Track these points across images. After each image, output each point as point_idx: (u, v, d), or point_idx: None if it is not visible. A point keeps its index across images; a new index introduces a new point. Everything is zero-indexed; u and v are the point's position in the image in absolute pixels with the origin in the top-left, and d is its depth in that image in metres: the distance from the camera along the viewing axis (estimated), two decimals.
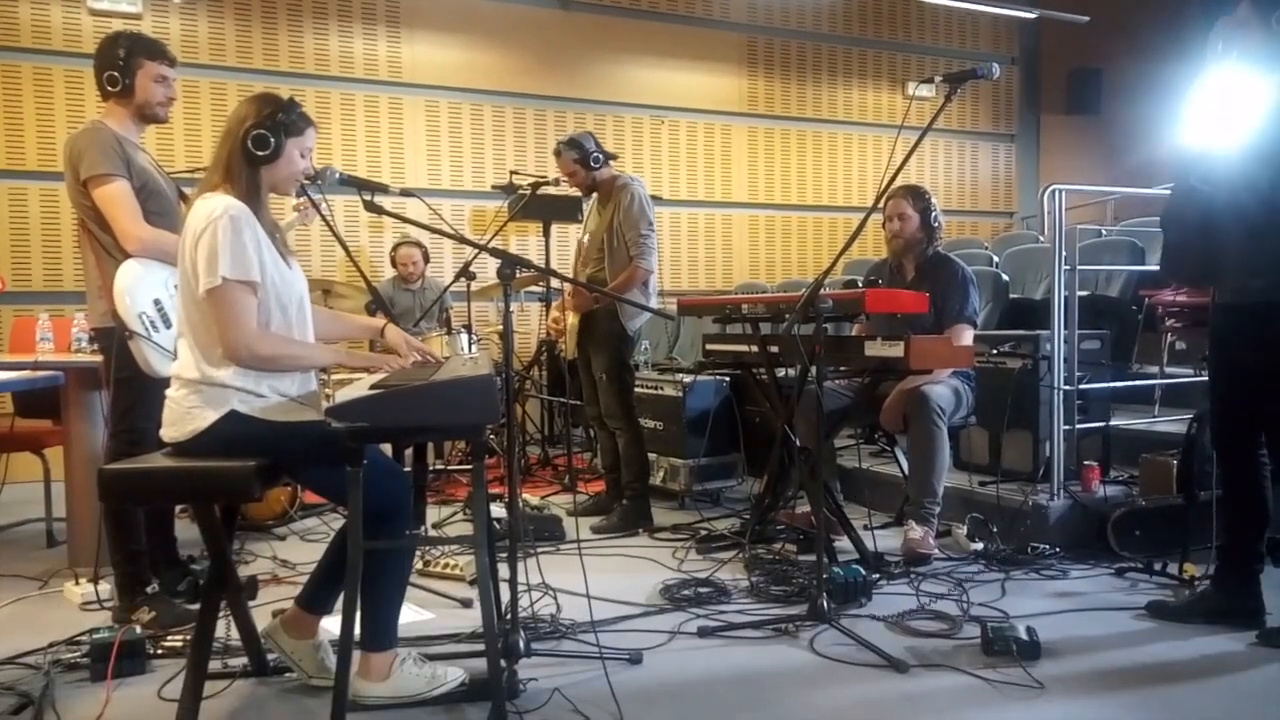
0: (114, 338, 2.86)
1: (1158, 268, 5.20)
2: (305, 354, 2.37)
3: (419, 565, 3.43)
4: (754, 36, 8.24)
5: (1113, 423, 4.15)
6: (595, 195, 4.37)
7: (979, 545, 3.64)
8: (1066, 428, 3.79)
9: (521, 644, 2.40)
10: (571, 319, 4.28)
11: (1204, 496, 3.41)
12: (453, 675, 2.38)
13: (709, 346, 4.07)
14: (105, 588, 3.12)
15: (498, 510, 3.68)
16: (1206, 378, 4.42)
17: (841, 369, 3.78)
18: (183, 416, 2.22)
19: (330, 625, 2.49)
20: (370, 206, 2.61)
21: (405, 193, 2.91)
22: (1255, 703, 2.38)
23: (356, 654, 2.24)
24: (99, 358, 3.18)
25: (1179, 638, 2.80)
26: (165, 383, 2.35)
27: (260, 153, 2.29)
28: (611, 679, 2.39)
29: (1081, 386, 3.86)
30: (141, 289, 2.81)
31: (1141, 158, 8.30)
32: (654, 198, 4.61)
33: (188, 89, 6.24)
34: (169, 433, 2.25)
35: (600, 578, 3.22)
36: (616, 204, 4.17)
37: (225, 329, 2.18)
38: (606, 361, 4.22)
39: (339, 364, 2.50)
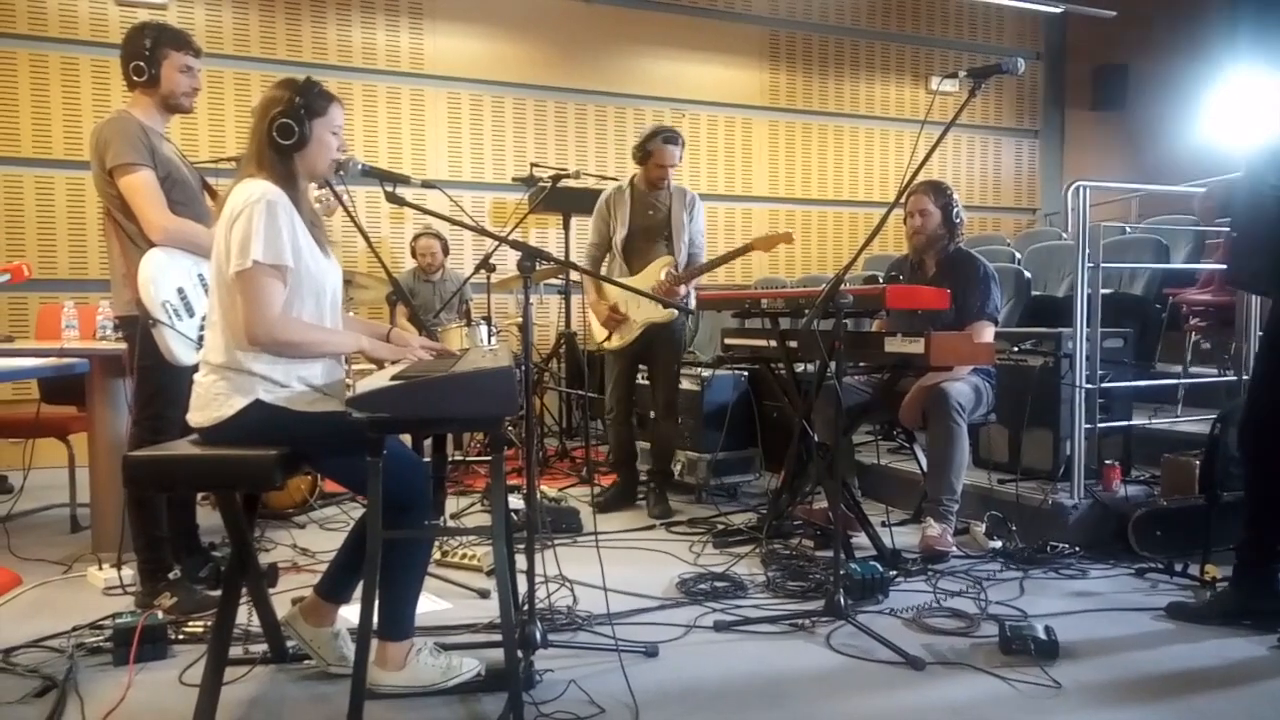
0: (138, 326, 2.88)
1: (1183, 266, 5.19)
2: (328, 340, 2.37)
3: (437, 555, 3.45)
4: (776, 30, 8.20)
5: (1134, 422, 4.12)
6: (628, 190, 4.45)
7: (997, 543, 3.63)
8: (1088, 426, 3.77)
9: (538, 635, 2.42)
10: (662, 314, 4.32)
11: (1226, 498, 3.38)
12: (468, 666, 2.39)
13: (728, 341, 4.06)
14: (128, 573, 3.16)
15: (516, 502, 3.70)
16: (1231, 374, 4.41)
17: (861, 365, 3.76)
18: (210, 402, 2.24)
19: (349, 614, 2.51)
20: (392, 198, 2.62)
21: (427, 184, 2.91)
22: (1275, 705, 2.35)
23: (374, 643, 2.25)
24: (123, 345, 3.21)
25: (1198, 639, 2.78)
26: (189, 371, 2.37)
27: (286, 141, 2.29)
28: (627, 671, 2.39)
29: (1103, 385, 3.83)
30: (165, 278, 2.84)
31: (1167, 154, 8.20)
32: None
33: (212, 79, 6.27)
34: (195, 417, 2.27)
35: (617, 570, 3.22)
36: (686, 208, 4.43)
37: (249, 312, 2.19)
38: (676, 353, 4.53)
39: (361, 351, 2.48)
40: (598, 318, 4.45)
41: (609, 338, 4.44)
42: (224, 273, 2.24)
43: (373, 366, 2.96)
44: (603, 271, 4.46)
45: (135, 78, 3.01)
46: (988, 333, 3.75)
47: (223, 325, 2.26)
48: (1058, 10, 8.51)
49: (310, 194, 2.47)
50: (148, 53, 2.98)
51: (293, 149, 2.30)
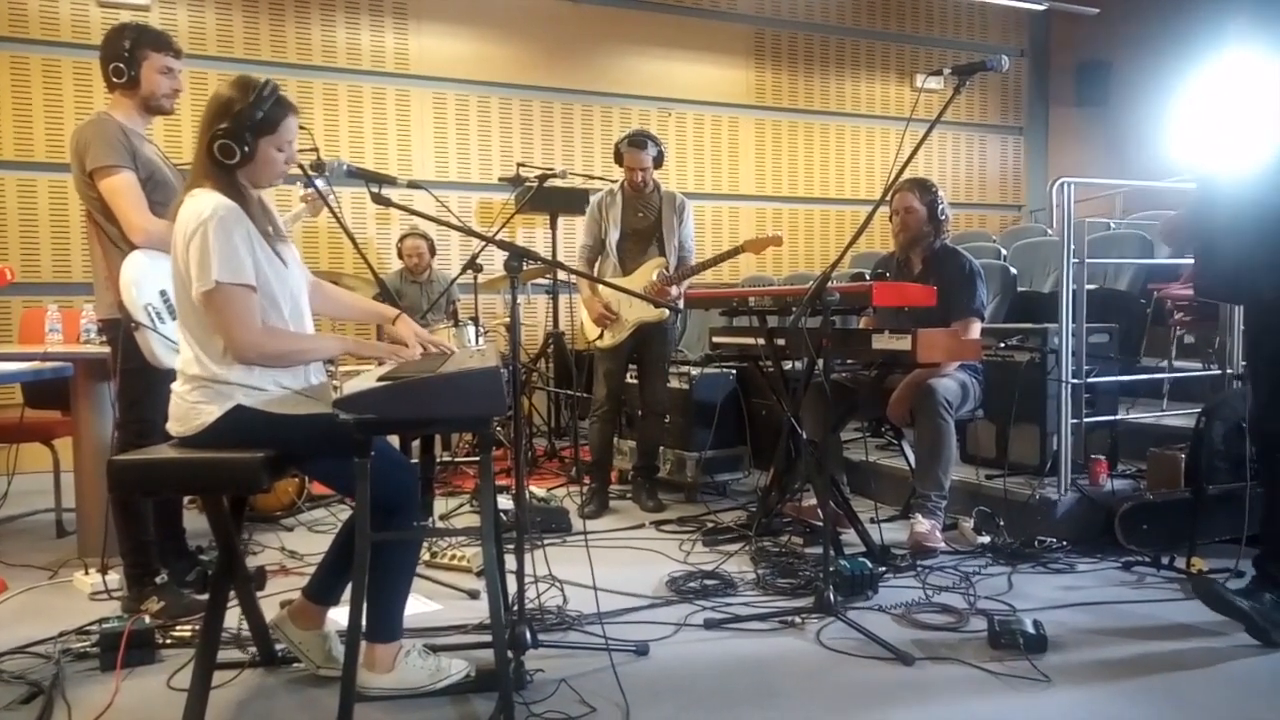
0: (121, 329, 2.86)
1: (1166, 261, 5.22)
2: (316, 346, 2.38)
3: (426, 556, 3.44)
4: (761, 28, 8.21)
5: (1120, 416, 4.14)
6: (619, 193, 4.50)
7: (985, 538, 3.64)
8: (1074, 421, 3.78)
9: (528, 635, 2.41)
10: (653, 314, 4.37)
11: (1212, 491, 3.40)
12: (457, 668, 2.38)
13: (716, 339, 4.06)
14: (114, 578, 3.14)
15: (504, 502, 3.68)
16: (1216, 369, 4.43)
17: (848, 361, 3.77)
18: (188, 412, 2.22)
19: (338, 616, 2.50)
20: (378, 198, 2.61)
21: (413, 185, 2.91)
22: (1261, 697, 2.37)
23: (363, 645, 2.25)
24: (107, 349, 3.18)
25: (1185, 632, 2.80)
26: (173, 374, 2.35)
27: (229, 161, 2.24)
28: (618, 670, 2.39)
29: (1089, 380, 3.85)
30: (147, 281, 2.82)
31: (1151, 150, 8.25)
32: None
33: (195, 80, 6.20)
34: (175, 428, 2.26)
35: (607, 570, 3.21)
36: (676, 212, 4.47)
37: (230, 331, 2.17)
38: (667, 352, 4.66)
39: (347, 352, 2.47)
40: (590, 314, 4.48)
41: (600, 335, 4.48)
42: (186, 289, 2.20)
43: (359, 368, 2.95)
44: (595, 272, 4.49)
45: (115, 79, 2.98)
46: (974, 329, 3.77)
47: (191, 338, 2.24)
48: (1041, 7, 8.56)
49: (278, 199, 2.45)
50: (127, 54, 2.96)
51: (235, 167, 2.26)
